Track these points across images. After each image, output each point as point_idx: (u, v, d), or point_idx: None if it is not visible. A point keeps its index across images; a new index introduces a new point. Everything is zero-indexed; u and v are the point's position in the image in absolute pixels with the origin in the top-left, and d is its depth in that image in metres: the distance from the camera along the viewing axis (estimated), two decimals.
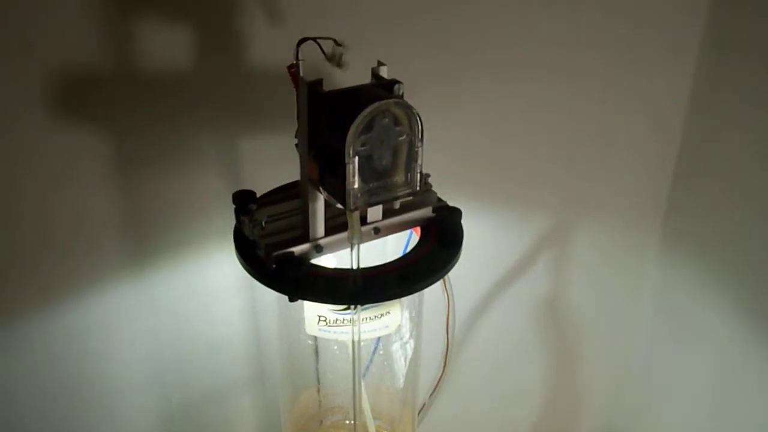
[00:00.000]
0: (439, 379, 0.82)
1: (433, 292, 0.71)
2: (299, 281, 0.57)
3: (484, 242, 0.87)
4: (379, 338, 0.69)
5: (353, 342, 0.61)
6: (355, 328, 0.61)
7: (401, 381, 0.69)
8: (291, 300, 0.58)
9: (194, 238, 0.79)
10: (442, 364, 0.81)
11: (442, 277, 0.60)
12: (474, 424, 1.00)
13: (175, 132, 0.73)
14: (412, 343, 0.67)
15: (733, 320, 0.85)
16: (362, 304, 0.59)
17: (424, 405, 0.85)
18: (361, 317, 0.61)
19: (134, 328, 0.83)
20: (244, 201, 0.61)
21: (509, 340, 0.95)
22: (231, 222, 0.63)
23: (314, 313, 0.61)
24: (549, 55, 0.81)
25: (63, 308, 0.80)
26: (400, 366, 0.68)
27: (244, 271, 0.77)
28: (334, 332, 0.62)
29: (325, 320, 0.61)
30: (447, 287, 0.73)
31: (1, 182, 0.71)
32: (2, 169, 0.71)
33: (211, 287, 0.82)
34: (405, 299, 0.63)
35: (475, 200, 0.84)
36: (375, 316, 0.61)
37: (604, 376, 1.01)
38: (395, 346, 0.66)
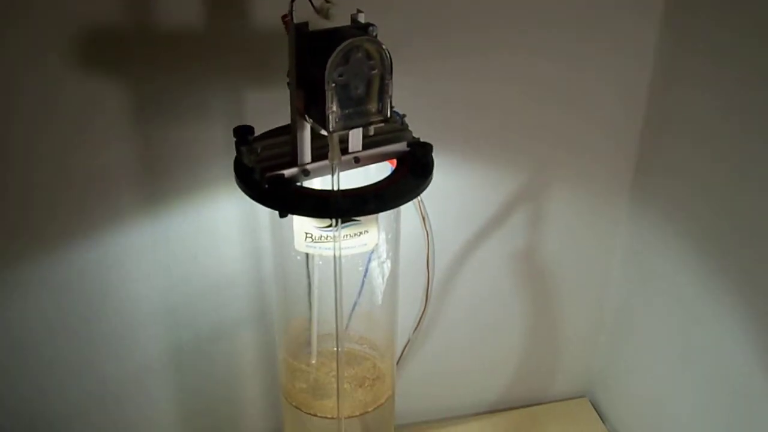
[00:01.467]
0: (422, 315, 0.91)
1: (412, 230, 0.80)
2: (288, 199, 0.67)
3: (462, 197, 0.96)
4: (366, 269, 0.79)
5: (335, 257, 0.71)
6: (337, 244, 0.70)
7: (380, 298, 0.78)
8: (281, 216, 0.68)
9: (204, 182, 0.88)
10: (424, 299, 0.90)
11: (412, 198, 0.69)
12: (455, 363, 1.09)
13: (187, 84, 0.82)
14: (389, 263, 0.76)
15: (697, 273, 0.92)
16: (342, 218, 0.69)
17: (408, 341, 0.94)
18: (342, 234, 0.70)
19: (149, 265, 0.92)
20: (243, 133, 0.71)
21: (488, 289, 1.04)
22: None
23: (302, 231, 0.71)
24: (521, 28, 0.89)
25: (82, 247, 0.89)
26: (378, 284, 0.77)
27: (249, 214, 0.87)
28: (319, 248, 0.72)
29: (311, 237, 0.71)
30: (426, 225, 0.82)
31: (26, 126, 0.81)
32: (28, 113, 0.80)
33: (219, 228, 0.91)
34: (382, 221, 0.72)
35: (453, 156, 0.93)
36: (354, 234, 0.71)
37: (580, 322, 1.10)
38: (373, 264, 0.76)
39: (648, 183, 0.99)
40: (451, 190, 0.94)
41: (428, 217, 0.81)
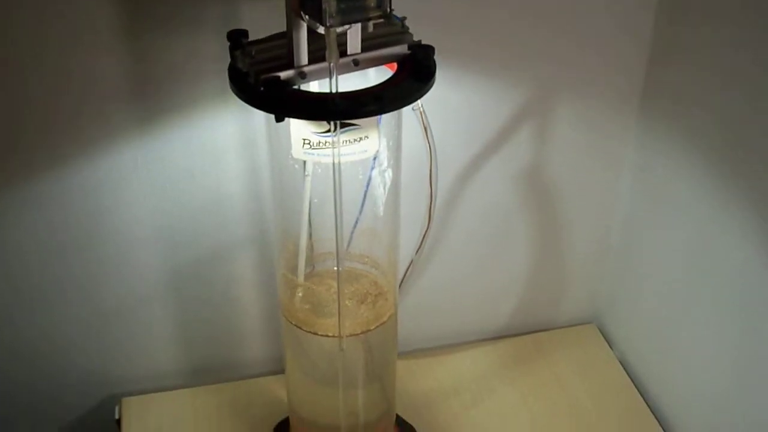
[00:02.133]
0: (425, 234, 0.89)
1: (414, 148, 0.78)
2: (284, 101, 0.64)
3: (466, 112, 0.93)
4: (369, 178, 0.76)
5: (333, 164, 0.68)
6: (336, 150, 0.68)
7: (381, 209, 0.76)
8: (277, 120, 0.65)
9: (200, 98, 0.86)
10: (427, 218, 0.87)
11: (413, 101, 0.66)
12: (457, 288, 1.07)
13: None
14: (390, 172, 0.73)
15: (706, 192, 0.90)
16: (341, 120, 0.66)
17: (410, 264, 0.92)
18: (341, 140, 0.68)
19: (144, 184, 0.89)
20: (237, 37, 0.68)
21: (492, 210, 1.01)
22: None
23: (299, 137, 0.68)
24: None
25: (76, 166, 0.87)
26: (380, 194, 0.74)
27: (247, 130, 0.84)
28: (318, 155, 0.69)
29: (309, 143, 0.68)
30: (428, 138, 0.80)
31: (15, 44, 0.78)
32: (17, 31, 0.77)
33: (216, 146, 0.89)
34: (382, 127, 0.69)
35: (456, 69, 0.90)
36: (354, 140, 0.68)
37: (586, 245, 1.07)
38: (374, 173, 0.73)
39: (656, 104, 0.96)
40: (455, 105, 0.91)
41: (430, 129, 0.78)
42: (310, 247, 0.83)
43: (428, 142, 0.81)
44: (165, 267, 0.95)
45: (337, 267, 0.72)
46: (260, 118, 0.71)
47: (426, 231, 0.89)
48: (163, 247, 0.94)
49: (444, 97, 0.88)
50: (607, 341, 1.13)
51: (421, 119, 0.77)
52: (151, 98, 0.85)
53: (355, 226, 0.80)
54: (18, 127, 0.83)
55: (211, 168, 0.90)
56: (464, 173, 0.97)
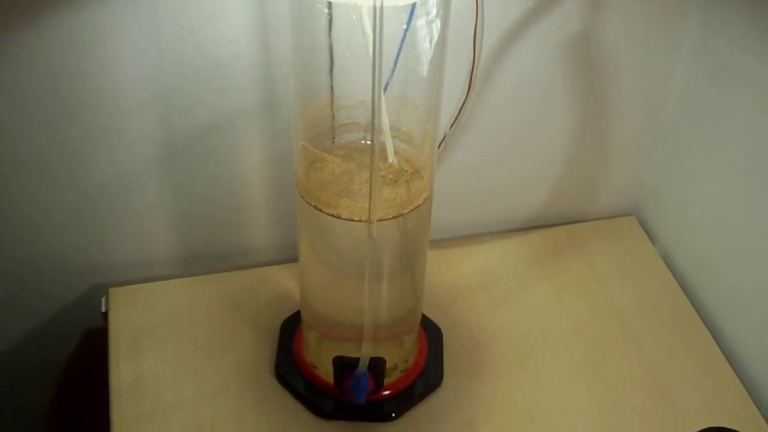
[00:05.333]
0: (463, 104, 0.76)
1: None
2: None
3: None
4: (403, 38, 0.62)
5: (374, 6, 0.54)
6: None
7: (425, 68, 0.62)
8: None
9: None
10: (467, 86, 0.74)
11: None
12: (490, 172, 0.96)
13: None
14: (438, 24, 0.60)
15: None
16: None
17: (443, 138, 0.79)
18: None
19: (136, 40, 0.77)
20: None
21: (535, 81, 0.89)
22: None
23: None
24: None
25: (62, 17, 0.74)
26: (425, 48, 0.61)
27: None
28: None
29: None
30: None
31: None
32: None
33: None
34: None
35: None
36: None
37: (633, 127, 0.95)
38: (420, 22, 0.60)
39: None
40: None
41: None
42: (331, 117, 0.70)
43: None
44: (159, 138, 0.83)
45: (372, 132, 0.59)
46: None
47: (465, 100, 0.77)
48: (157, 115, 0.82)
49: None
50: (648, 235, 1.01)
51: None
52: None
53: (385, 91, 0.66)
54: None
55: (214, 23, 0.77)
56: (507, 38, 0.84)
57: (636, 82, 0.92)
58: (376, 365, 0.74)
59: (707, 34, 0.87)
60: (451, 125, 0.79)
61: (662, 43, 0.90)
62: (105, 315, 0.89)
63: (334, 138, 0.72)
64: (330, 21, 0.62)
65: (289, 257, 0.93)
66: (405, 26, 0.59)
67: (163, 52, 0.78)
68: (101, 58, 0.77)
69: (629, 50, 0.89)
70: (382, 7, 0.55)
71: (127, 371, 0.83)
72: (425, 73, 0.63)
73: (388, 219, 0.68)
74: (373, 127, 0.59)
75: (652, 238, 1.01)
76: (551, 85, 0.89)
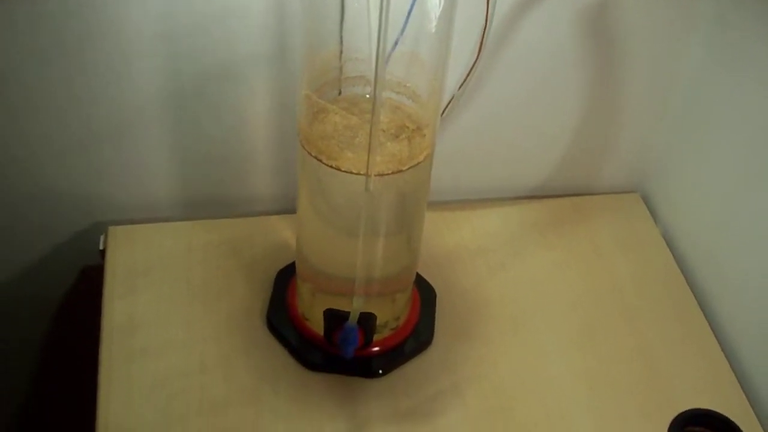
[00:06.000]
0: (473, 66, 0.75)
1: None
2: None
3: None
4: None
5: None
6: None
7: (433, 24, 0.62)
8: None
9: None
10: (477, 47, 0.74)
11: None
12: (496, 138, 0.95)
13: None
14: None
15: None
16: None
17: (451, 99, 0.79)
18: None
19: None
20: None
21: (547, 50, 0.88)
22: None
23: None
24: None
25: None
26: (434, 4, 0.60)
27: None
28: None
29: None
30: None
31: None
32: None
33: None
34: None
35: None
36: None
37: (643, 102, 0.95)
38: None
39: None
40: None
41: None
42: (339, 68, 0.69)
43: None
44: (166, 78, 0.83)
45: (375, 86, 0.58)
46: None
47: (475, 62, 0.76)
48: (164, 54, 0.81)
49: None
50: (651, 214, 1.00)
51: None
52: None
53: (395, 47, 0.66)
54: None
55: None
56: (523, 1, 0.82)
57: (649, 56, 0.91)
58: (367, 320, 0.74)
59: (724, 11, 0.85)
60: (460, 86, 0.78)
61: (678, 19, 0.89)
62: (102, 253, 0.89)
63: (340, 90, 0.72)
64: None
65: (290, 208, 0.93)
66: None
67: None
68: None
69: (645, 23, 0.88)
70: None
71: (120, 310, 0.83)
72: (433, 30, 0.62)
73: (387, 174, 0.67)
74: (375, 80, 0.58)
75: (654, 217, 1.01)
76: (564, 53, 0.88)
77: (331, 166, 0.67)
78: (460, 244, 0.94)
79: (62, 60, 0.79)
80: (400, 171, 0.68)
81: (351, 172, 0.67)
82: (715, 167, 0.90)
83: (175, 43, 0.80)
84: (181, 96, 0.84)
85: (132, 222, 0.92)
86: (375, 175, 0.66)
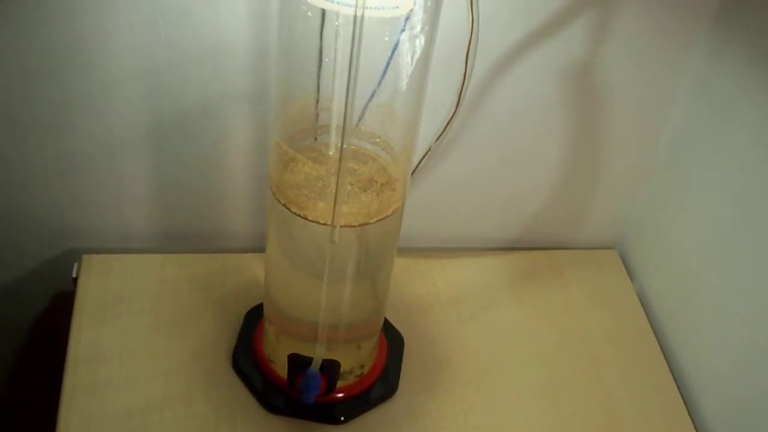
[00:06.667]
0: (450, 120, 0.76)
1: (453, 13, 0.67)
2: None
3: None
4: (394, 49, 0.62)
5: (355, 17, 0.54)
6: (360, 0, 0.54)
7: (404, 82, 0.62)
8: None
9: None
10: (455, 101, 0.74)
11: None
12: (474, 188, 0.95)
13: None
14: (422, 40, 0.60)
15: None
16: None
17: (428, 151, 0.79)
18: None
19: (131, 17, 0.77)
20: None
21: (528, 104, 0.88)
22: None
23: None
24: None
25: None
26: (406, 63, 0.61)
27: None
28: (337, 2, 0.55)
29: None
30: (473, 6, 0.66)
31: None
32: None
33: None
34: None
35: None
36: None
37: (624, 160, 0.95)
38: (404, 36, 0.59)
39: (739, 10, 0.82)
40: None
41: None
42: (314, 116, 0.70)
43: (472, 15, 0.67)
44: (147, 113, 0.84)
45: (343, 135, 0.59)
46: None
47: (452, 116, 0.76)
48: (147, 89, 0.82)
49: None
50: (627, 271, 1.00)
51: None
52: None
53: (370, 99, 0.66)
54: None
55: (213, 7, 0.77)
56: (504, 57, 0.83)
57: (633, 115, 0.91)
58: (329, 367, 0.74)
59: (712, 74, 0.86)
60: (437, 138, 0.78)
61: (664, 78, 0.90)
62: (75, 280, 0.89)
63: (316, 138, 0.72)
64: (322, 23, 0.62)
65: (264, 247, 0.93)
66: (396, 38, 0.59)
67: (159, 30, 0.78)
68: (97, 26, 0.77)
69: (629, 82, 0.88)
70: (363, 17, 0.55)
71: (87, 339, 0.83)
72: (404, 88, 0.63)
73: (354, 226, 0.67)
74: (344, 131, 0.59)
75: (630, 275, 1.00)
76: (546, 109, 0.88)
77: (298, 215, 0.67)
78: (431, 292, 0.94)
79: (44, 87, 0.80)
80: (368, 224, 0.68)
81: (318, 222, 0.67)
82: (692, 229, 0.91)
83: (159, 77, 0.81)
84: (161, 129, 0.84)
85: (107, 251, 0.92)
86: (342, 227, 0.66)
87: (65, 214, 0.90)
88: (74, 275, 0.89)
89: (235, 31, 0.78)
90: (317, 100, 0.69)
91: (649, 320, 0.95)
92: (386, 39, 0.59)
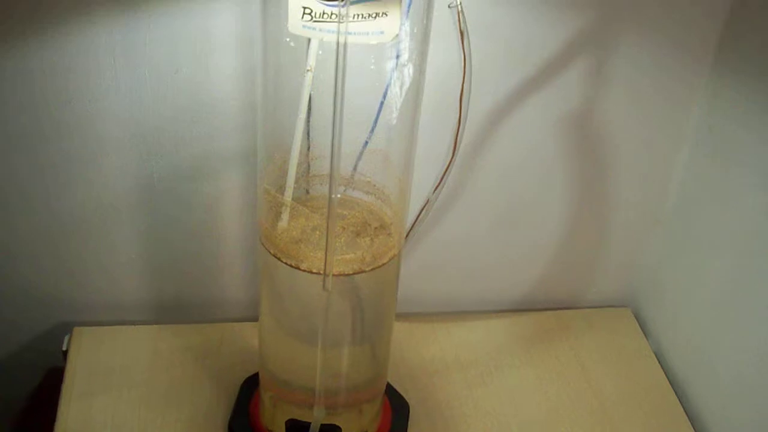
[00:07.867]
0: (447, 167, 0.73)
1: (445, 58, 0.65)
2: None
3: (512, 32, 0.78)
4: (385, 91, 0.60)
5: (338, 45, 0.52)
6: (342, 26, 0.52)
7: (395, 116, 0.60)
8: None
9: None
10: (452, 148, 0.72)
11: None
12: (476, 247, 0.92)
13: None
14: (411, 69, 0.57)
15: None
16: None
17: (426, 203, 0.76)
18: (351, 13, 0.52)
19: (121, 74, 0.76)
20: None
21: (528, 157, 0.86)
22: None
23: (299, 5, 0.52)
24: None
25: (46, 44, 0.73)
26: (395, 94, 0.58)
27: (249, 20, 0.69)
28: (320, 30, 0.53)
29: (310, 13, 0.52)
30: (465, 46, 0.65)
31: None
32: None
33: (210, 37, 0.75)
34: (406, 6, 0.53)
35: None
36: (368, 15, 0.52)
37: (633, 213, 0.92)
38: (390, 65, 0.57)
39: (738, 52, 0.80)
40: (499, 22, 0.76)
41: (468, 36, 0.63)
42: (306, 166, 0.67)
43: (463, 51, 0.65)
44: (136, 176, 0.81)
45: (331, 178, 0.56)
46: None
47: (450, 162, 0.73)
48: (136, 150, 0.80)
49: (487, 12, 0.75)
50: (642, 330, 0.96)
51: (458, 20, 0.63)
52: None
53: (365, 146, 0.64)
54: None
55: (202, 65, 0.76)
56: (501, 109, 0.82)
57: (638, 166, 0.89)
58: None
59: (715, 121, 0.84)
60: (435, 189, 0.76)
61: (668, 126, 0.88)
62: (65, 354, 0.86)
63: (308, 189, 0.69)
64: (307, 59, 0.60)
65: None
66: (374, 67, 0.57)
67: (147, 89, 0.77)
68: (83, 88, 0.76)
69: (633, 129, 0.86)
70: (345, 44, 0.53)
71: (75, 413, 0.79)
72: (394, 122, 0.60)
73: (348, 275, 0.64)
74: (331, 176, 0.56)
75: (645, 333, 0.96)
76: (548, 160, 0.86)
77: (290, 265, 0.64)
78: (437, 357, 0.90)
79: (32, 151, 0.78)
80: (363, 271, 0.65)
81: (310, 272, 0.64)
82: (708, 281, 0.87)
83: (148, 137, 0.79)
84: (152, 194, 0.82)
85: (100, 323, 0.89)
86: (336, 275, 0.63)
87: (57, 283, 0.88)
88: (64, 348, 0.86)
89: (224, 88, 0.77)
90: (308, 148, 0.67)
91: (668, 378, 0.90)
92: (372, 67, 0.56)
